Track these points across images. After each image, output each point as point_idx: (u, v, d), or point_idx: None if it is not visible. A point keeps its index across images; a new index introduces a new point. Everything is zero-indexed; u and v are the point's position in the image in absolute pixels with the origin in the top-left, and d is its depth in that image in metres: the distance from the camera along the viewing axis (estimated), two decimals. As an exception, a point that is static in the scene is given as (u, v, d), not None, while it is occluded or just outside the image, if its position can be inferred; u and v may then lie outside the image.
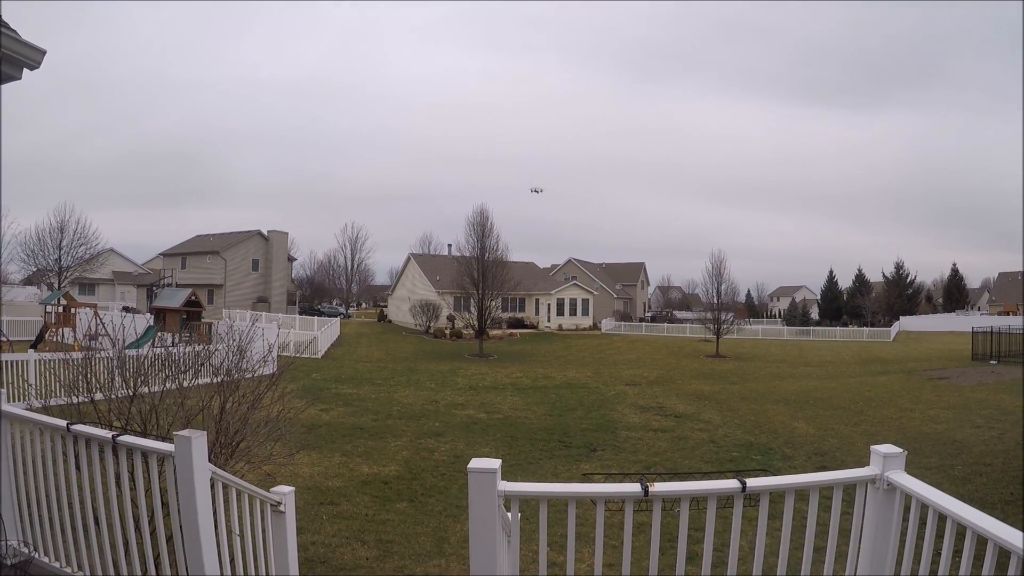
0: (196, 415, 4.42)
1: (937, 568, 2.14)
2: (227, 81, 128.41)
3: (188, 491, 2.63)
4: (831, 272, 75.85)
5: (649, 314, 76.02)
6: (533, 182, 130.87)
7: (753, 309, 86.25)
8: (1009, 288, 65.37)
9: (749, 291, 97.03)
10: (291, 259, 59.30)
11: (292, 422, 5.53)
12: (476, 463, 2.24)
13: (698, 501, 2.37)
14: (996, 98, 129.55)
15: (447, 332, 38.07)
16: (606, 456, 9.25)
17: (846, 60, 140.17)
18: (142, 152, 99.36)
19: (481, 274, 29.97)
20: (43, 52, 3.46)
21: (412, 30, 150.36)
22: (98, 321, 20.46)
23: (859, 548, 2.49)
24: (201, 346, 5.98)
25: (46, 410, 4.01)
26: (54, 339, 20.53)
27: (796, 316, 71.53)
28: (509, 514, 2.35)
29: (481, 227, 31.02)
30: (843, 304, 71.71)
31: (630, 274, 77.06)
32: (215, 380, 4.85)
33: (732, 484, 2.31)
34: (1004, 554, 1.83)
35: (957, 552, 2.02)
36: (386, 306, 57.36)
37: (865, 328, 51.96)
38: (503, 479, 2.28)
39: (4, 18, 3.27)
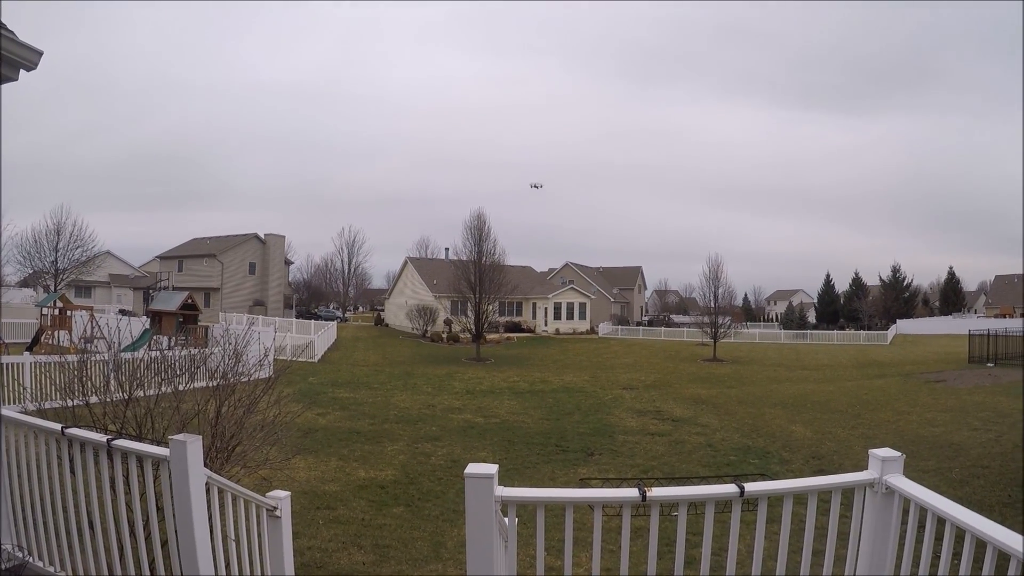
0: (192, 419, 4.39)
1: (936, 571, 2.14)
2: (226, 83, 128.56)
3: (183, 496, 2.62)
4: (828, 276, 76.01)
5: (646, 318, 76.11)
6: (529, 188, 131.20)
7: (750, 313, 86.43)
8: (1006, 291, 65.54)
9: (746, 295, 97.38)
10: (288, 262, 59.29)
11: (288, 426, 5.51)
12: (473, 468, 2.24)
13: (696, 506, 2.37)
14: (994, 100, 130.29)
15: (444, 336, 38.04)
16: (603, 460, 9.23)
17: (845, 64, 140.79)
18: (140, 154, 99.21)
19: (478, 278, 29.97)
20: (40, 53, 3.44)
21: (413, 33, 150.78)
22: (94, 324, 20.40)
23: (858, 551, 2.48)
24: (197, 349, 5.95)
25: (41, 413, 3.98)
26: (50, 341, 20.45)
27: (793, 320, 71.60)
28: (506, 519, 2.34)
29: (478, 231, 31.03)
30: (840, 308, 71.85)
31: (627, 278, 77.12)
32: (211, 384, 4.83)
33: (730, 489, 2.31)
34: (1003, 557, 1.82)
35: (956, 555, 2.01)
36: (383, 310, 57.33)
37: (862, 331, 52.13)
38: (500, 484, 2.27)
39: (2, 19, 3.26)
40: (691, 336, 43.46)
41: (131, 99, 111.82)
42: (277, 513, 3.36)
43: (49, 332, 20.96)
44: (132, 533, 3.05)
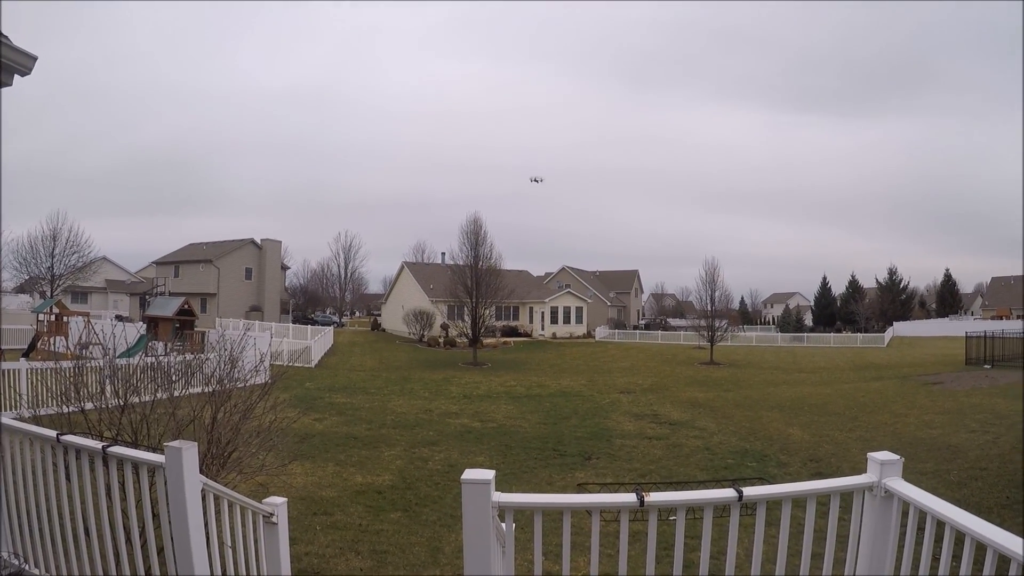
0: (187, 425, 4.38)
1: (936, 573, 2.14)
2: (223, 88, 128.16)
3: (179, 502, 2.61)
4: (825, 278, 76.27)
5: (643, 322, 76.19)
6: (526, 192, 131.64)
7: (747, 316, 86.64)
8: (1002, 292, 65.73)
9: (743, 298, 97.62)
10: (284, 268, 59.17)
11: (285, 432, 5.49)
12: (470, 474, 2.23)
13: (694, 511, 2.36)
14: (993, 101, 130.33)
15: (441, 341, 38.00)
16: (601, 464, 9.22)
17: (842, 67, 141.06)
18: (137, 159, 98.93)
19: (475, 282, 29.97)
20: (34, 58, 3.44)
21: (410, 38, 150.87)
22: (90, 330, 20.33)
23: (857, 554, 2.48)
24: (192, 355, 5.93)
25: (36, 420, 3.97)
26: (46, 348, 20.37)
27: (790, 323, 71.85)
28: (504, 524, 2.33)
29: (475, 235, 31.05)
30: (837, 310, 72.05)
31: (624, 282, 77.22)
32: (207, 390, 4.81)
33: (729, 494, 2.31)
34: (1003, 560, 1.82)
35: (956, 558, 2.01)
36: (380, 315, 57.30)
37: (859, 334, 52.27)
38: (497, 488, 2.26)
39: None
40: (688, 339, 43.50)
41: (127, 104, 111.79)
42: (274, 519, 3.34)
43: (46, 338, 20.89)
44: (128, 540, 3.04)
